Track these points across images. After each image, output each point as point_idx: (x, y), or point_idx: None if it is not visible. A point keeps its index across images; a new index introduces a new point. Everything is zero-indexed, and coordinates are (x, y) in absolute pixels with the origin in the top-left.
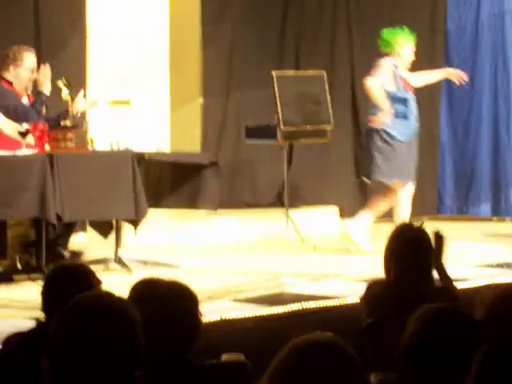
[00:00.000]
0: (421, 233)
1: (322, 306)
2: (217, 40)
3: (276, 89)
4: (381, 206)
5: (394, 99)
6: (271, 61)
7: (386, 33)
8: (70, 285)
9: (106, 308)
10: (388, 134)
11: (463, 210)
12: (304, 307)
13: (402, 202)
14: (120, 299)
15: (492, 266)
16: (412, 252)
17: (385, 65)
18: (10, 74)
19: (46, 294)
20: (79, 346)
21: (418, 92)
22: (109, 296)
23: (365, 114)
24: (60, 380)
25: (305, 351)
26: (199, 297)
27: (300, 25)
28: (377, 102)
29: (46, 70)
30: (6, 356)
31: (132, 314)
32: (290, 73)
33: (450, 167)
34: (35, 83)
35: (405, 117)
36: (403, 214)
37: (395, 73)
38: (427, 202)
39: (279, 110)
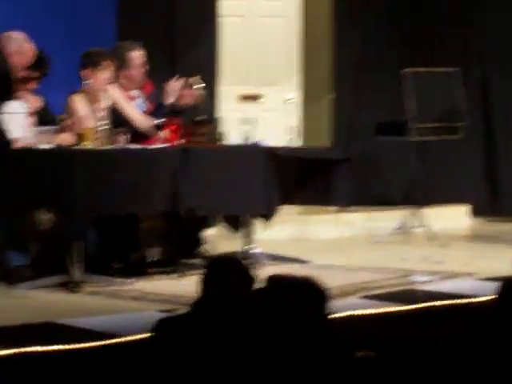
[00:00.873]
0: None
1: (451, 303)
2: (349, 36)
3: (408, 85)
4: None
5: None
6: (403, 57)
7: None
8: (228, 278)
9: None
10: None
11: None
12: (433, 305)
13: None
14: None
15: None
16: None
17: None
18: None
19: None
20: None
21: None
22: None
23: (497, 111)
24: None
25: None
26: (329, 293)
27: (432, 23)
28: None
29: (175, 84)
30: (159, 339)
31: None
32: (423, 70)
33: None
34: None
35: None
36: None
37: None
38: None
39: (411, 107)
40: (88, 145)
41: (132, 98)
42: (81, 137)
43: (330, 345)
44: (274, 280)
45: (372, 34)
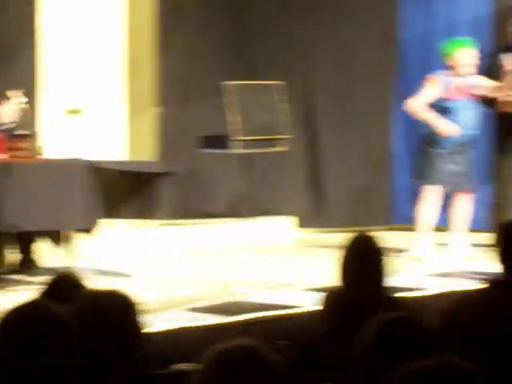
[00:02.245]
0: (373, 242)
1: (276, 315)
2: (173, 49)
3: (230, 98)
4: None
5: (439, 110)
6: (228, 71)
7: (442, 46)
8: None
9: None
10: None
11: None
12: (257, 316)
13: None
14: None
15: (443, 274)
16: (365, 261)
17: (429, 80)
18: None
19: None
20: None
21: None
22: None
23: (320, 124)
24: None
25: (226, 357)
26: (154, 306)
27: (257, 35)
28: (424, 120)
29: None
30: None
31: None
32: (246, 82)
33: (402, 177)
34: None
35: None
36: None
37: (443, 83)
38: (380, 211)
39: (234, 120)
40: None
41: None
42: None
43: (144, 359)
44: (85, 296)
45: (196, 48)
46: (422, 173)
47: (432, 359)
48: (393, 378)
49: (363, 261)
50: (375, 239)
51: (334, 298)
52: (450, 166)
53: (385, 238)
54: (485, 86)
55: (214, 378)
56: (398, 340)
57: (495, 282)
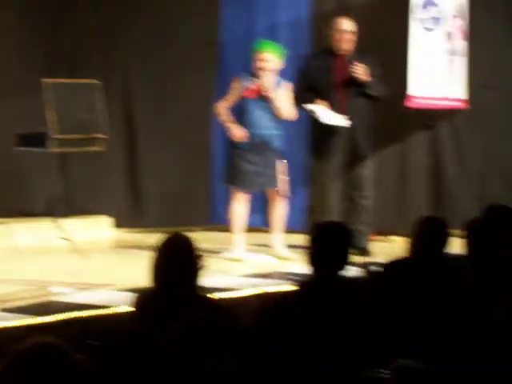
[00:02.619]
0: (186, 242)
1: (89, 315)
2: None
3: (47, 96)
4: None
5: (237, 109)
6: (44, 67)
7: (252, 47)
8: None
9: None
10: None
11: None
12: (71, 316)
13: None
14: None
15: (259, 275)
16: (176, 262)
17: (234, 81)
18: None
19: None
20: None
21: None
22: None
23: (139, 124)
24: None
25: (23, 356)
26: None
27: (75, 33)
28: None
29: None
30: None
31: None
32: (63, 80)
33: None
34: None
35: (241, 125)
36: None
37: (241, 85)
38: (199, 212)
39: (50, 118)
40: None
41: None
42: None
43: None
44: None
45: (13, 42)
46: (227, 175)
47: None
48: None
49: (174, 261)
50: (188, 239)
51: (144, 298)
52: (248, 165)
53: (202, 238)
54: (279, 100)
55: (12, 378)
56: (200, 338)
57: (304, 284)
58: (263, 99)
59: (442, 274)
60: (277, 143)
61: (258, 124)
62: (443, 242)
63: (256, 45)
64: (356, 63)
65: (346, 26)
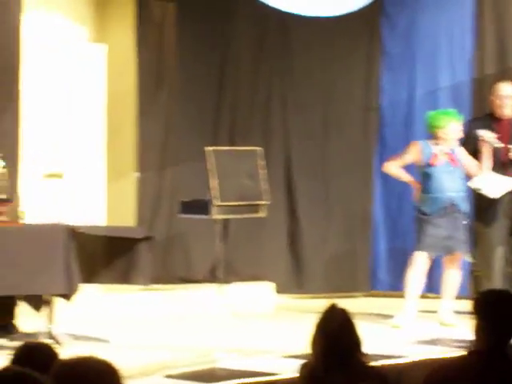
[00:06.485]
0: (345, 314)
1: (254, 382)
2: (152, 115)
3: (210, 163)
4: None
5: (420, 175)
6: (206, 136)
7: (429, 116)
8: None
9: None
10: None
11: (398, 287)
12: (236, 383)
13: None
14: None
15: (426, 342)
16: (336, 334)
17: (412, 145)
18: None
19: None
20: None
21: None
22: None
23: (299, 190)
24: None
25: None
26: (131, 373)
27: (235, 101)
28: (396, 176)
29: None
30: None
31: None
32: (225, 148)
33: (383, 243)
34: None
35: (427, 191)
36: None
37: (423, 150)
38: (361, 278)
39: (213, 185)
40: None
41: None
42: None
43: None
44: (63, 365)
45: (176, 113)
46: (416, 240)
47: None
48: None
49: (329, 336)
50: (345, 312)
51: (306, 368)
52: (435, 230)
53: (365, 304)
54: (464, 161)
55: None
56: None
57: (473, 353)
58: (451, 163)
59: None
60: (464, 205)
61: (446, 187)
62: None
63: (442, 115)
64: None
65: (507, 91)
